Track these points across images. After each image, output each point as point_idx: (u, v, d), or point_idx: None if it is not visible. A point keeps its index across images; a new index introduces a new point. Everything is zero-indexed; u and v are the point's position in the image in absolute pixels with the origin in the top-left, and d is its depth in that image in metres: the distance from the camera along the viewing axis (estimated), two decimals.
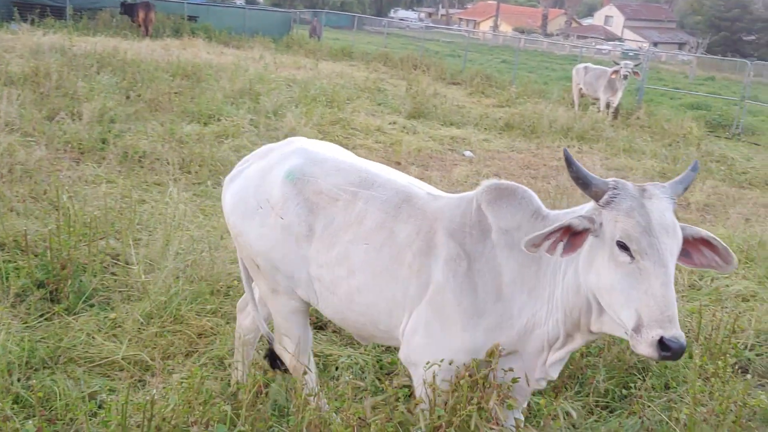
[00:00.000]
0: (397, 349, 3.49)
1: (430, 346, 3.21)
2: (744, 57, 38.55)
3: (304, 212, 3.47)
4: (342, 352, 4.71)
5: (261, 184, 3.63)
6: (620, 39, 68.19)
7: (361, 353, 4.67)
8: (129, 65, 15.16)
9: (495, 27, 70.80)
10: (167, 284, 5.07)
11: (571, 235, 2.81)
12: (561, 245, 2.79)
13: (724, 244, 2.83)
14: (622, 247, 2.65)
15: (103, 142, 9.12)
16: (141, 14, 26.62)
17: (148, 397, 3.49)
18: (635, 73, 17.37)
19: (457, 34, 51.09)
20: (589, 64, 18.95)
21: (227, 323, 4.84)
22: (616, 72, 16.97)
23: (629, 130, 15.75)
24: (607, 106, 17.33)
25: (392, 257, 3.30)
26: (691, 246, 2.84)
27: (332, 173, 3.53)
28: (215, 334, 4.75)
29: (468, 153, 11.98)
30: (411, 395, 3.81)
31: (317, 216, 3.46)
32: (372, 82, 18.79)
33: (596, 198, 2.79)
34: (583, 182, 2.81)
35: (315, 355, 4.51)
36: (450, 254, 3.17)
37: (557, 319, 3.05)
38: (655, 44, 63.99)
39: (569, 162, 2.82)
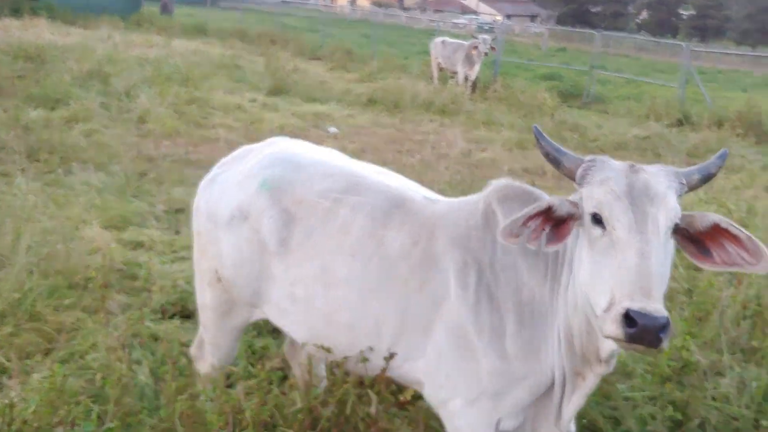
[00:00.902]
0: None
1: (455, 377, 2.79)
2: (592, 28, 40.49)
3: (280, 224, 3.13)
4: None
5: (237, 191, 3.29)
6: (475, 12, 69.94)
7: None
8: None
9: (353, 1, 70.89)
10: (20, 280, 4.77)
11: (556, 224, 2.45)
12: (544, 235, 2.43)
13: (747, 233, 2.33)
14: (597, 221, 2.31)
15: None
16: None
17: (6, 401, 3.30)
18: (492, 48, 17.91)
19: (314, 8, 50.82)
20: (447, 38, 19.32)
21: (88, 317, 4.63)
22: (475, 48, 17.41)
23: (487, 103, 16.19)
24: (466, 79, 17.75)
25: (382, 270, 2.92)
26: (711, 240, 2.38)
27: (314, 179, 3.17)
28: (76, 329, 4.53)
29: (332, 129, 11.95)
30: (285, 378, 3.79)
31: (295, 228, 3.11)
32: (229, 59, 18.42)
33: (571, 176, 2.46)
34: (553, 158, 2.51)
35: (183, 346, 4.40)
36: (456, 263, 2.78)
37: (564, 352, 2.65)
38: (509, 17, 66.09)
39: (539, 138, 2.55)
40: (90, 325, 4.49)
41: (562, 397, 2.70)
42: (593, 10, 70.87)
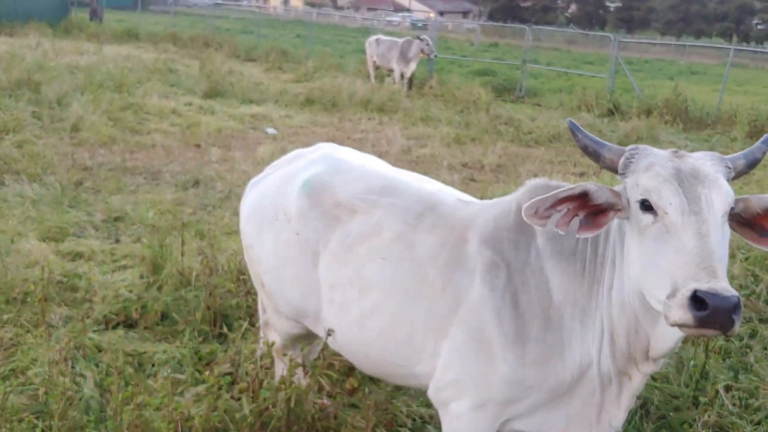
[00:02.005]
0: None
1: (465, 379, 2.67)
2: (522, 23, 41.08)
3: (320, 226, 3.08)
4: (156, 348, 4.53)
5: (280, 193, 3.27)
6: (408, 10, 70.27)
7: (177, 347, 4.52)
8: None
9: (285, 1, 70.49)
10: None
11: (594, 213, 2.31)
12: (577, 221, 2.29)
13: None
14: (646, 208, 2.17)
15: None
16: None
17: None
18: (434, 54, 18.30)
19: (247, 10, 50.30)
20: (381, 36, 19.37)
21: (27, 332, 4.51)
22: (423, 52, 17.65)
23: (424, 100, 16.31)
24: (401, 76, 17.84)
25: (412, 274, 2.81)
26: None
27: (353, 182, 3.13)
28: (16, 345, 4.41)
29: (271, 130, 11.88)
30: (234, 383, 3.77)
31: (334, 230, 3.05)
32: (162, 63, 18.15)
33: (612, 167, 2.31)
34: (592, 151, 2.37)
35: (128, 355, 4.34)
36: (485, 265, 2.64)
37: (606, 353, 2.51)
38: (441, 14, 66.56)
39: (576, 132, 2.42)
40: (30, 339, 4.38)
41: (602, 399, 2.60)
42: (523, 5, 71.85)
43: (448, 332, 2.70)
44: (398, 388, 3.97)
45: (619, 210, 2.28)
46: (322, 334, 3.20)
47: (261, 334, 3.97)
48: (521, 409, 2.64)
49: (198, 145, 10.18)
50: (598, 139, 2.41)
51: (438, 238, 2.81)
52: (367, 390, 3.91)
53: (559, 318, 2.53)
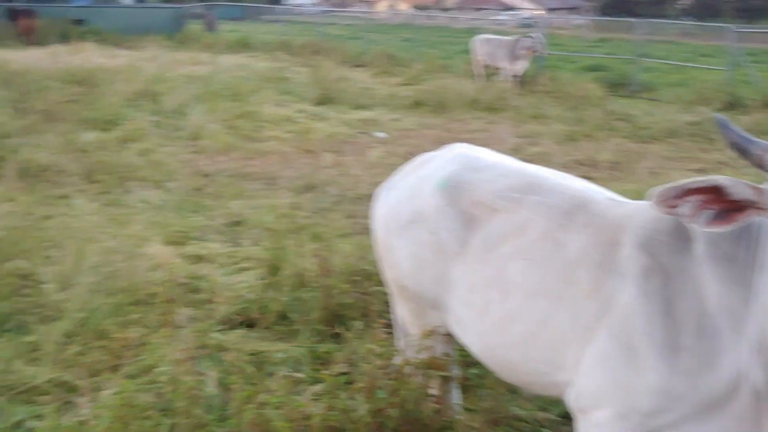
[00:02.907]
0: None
1: (609, 387, 2.52)
2: (635, 17, 39.81)
3: (458, 226, 2.99)
4: (275, 347, 4.60)
5: (414, 195, 3.19)
6: (516, 8, 69.40)
7: (294, 346, 4.57)
8: (16, 76, 14.47)
9: (392, 6, 71.02)
10: (85, 300, 4.85)
11: (731, 209, 2.16)
12: (708, 214, 2.17)
13: None
14: None
15: None
16: (23, 22, 25.48)
17: (78, 419, 3.34)
18: (537, 50, 17.79)
19: (355, 16, 50.96)
20: (489, 35, 19.16)
21: (153, 332, 4.67)
22: (529, 49, 17.32)
23: (534, 97, 16.01)
24: (511, 75, 17.60)
25: (559, 275, 2.67)
26: None
27: (493, 180, 3.02)
28: (143, 345, 4.57)
29: (380, 134, 11.94)
30: (351, 382, 3.76)
31: (474, 230, 2.95)
32: (275, 72, 18.56)
33: (760, 164, 2.14)
34: (740, 147, 2.21)
35: (248, 355, 4.41)
36: (640, 269, 2.48)
37: (757, 364, 2.30)
38: (551, 10, 65.42)
39: (724, 127, 2.27)
40: (156, 339, 4.52)
41: (759, 416, 2.37)
42: None
43: (594, 338, 2.54)
44: (513, 390, 3.86)
45: (762, 209, 2.11)
46: (458, 337, 3.13)
47: (396, 341, 3.92)
48: (667, 422, 2.45)
49: (311, 151, 10.34)
50: (747, 134, 2.24)
51: (590, 239, 2.65)
52: (482, 392, 3.83)
53: (713, 326, 2.34)
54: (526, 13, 58.99)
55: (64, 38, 25.65)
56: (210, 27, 33.84)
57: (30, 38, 25.07)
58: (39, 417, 3.81)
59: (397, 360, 3.61)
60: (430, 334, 3.34)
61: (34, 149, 9.18)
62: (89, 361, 4.34)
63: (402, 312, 3.55)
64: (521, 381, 2.99)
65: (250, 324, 4.91)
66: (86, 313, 4.71)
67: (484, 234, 2.92)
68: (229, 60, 21.82)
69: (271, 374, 4.16)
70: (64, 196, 7.57)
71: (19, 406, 3.93)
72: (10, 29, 25.63)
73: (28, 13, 25.79)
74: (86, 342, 4.52)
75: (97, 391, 4.03)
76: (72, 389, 4.10)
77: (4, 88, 13.12)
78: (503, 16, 52.12)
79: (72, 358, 4.35)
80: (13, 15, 25.91)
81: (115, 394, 3.75)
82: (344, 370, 4.03)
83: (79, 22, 28.98)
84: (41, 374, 4.17)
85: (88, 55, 20.82)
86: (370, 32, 31.45)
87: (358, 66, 22.41)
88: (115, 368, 4.34)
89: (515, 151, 10.46)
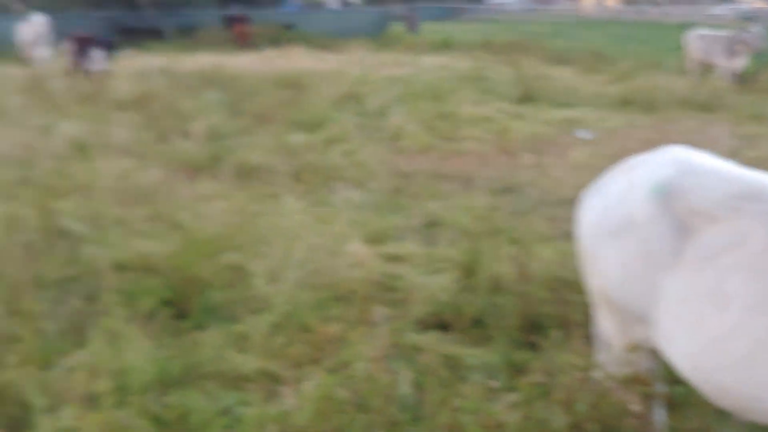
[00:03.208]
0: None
1: None
2: None
3: (672, 235, 2.84)
4: (469, 352, 4.55)
5: (624, 200, 3.09)
6: (734, 0, 64.71)
7: (489, 352, 4.51)
8: (232, 80, 15.53)
9: (599, 2, 68.68)
10: (290, 294, 5.08)
11: None
12: None
13: None
14: None
15: (216, 159, 9.34)
16: (237, 28, 27.29)
17: (281, 409, 3.48)
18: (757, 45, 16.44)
19: (559, 12, 49.84)
20: (704, 30, 17.97)
21: (352, 329, 4.79)
22: (749, 44, 16.09)
23: (755, 96, 14.78)
24: (729, 72, 16.38)
25: None
26: None
27: (711, 186, 2.84)
28: (341, 340, 4.70)
29: (584, 134, 11.54)
30: (548, 394, 3.63)
31: (689, 240, 2.80)
32: (475, 71, 18.51)
33: None
34: None
35: (444, 357, 4.40)
36: None
37: None
38: None
39: None
40: (354, 336, 4.63)
41: None
42: None
43: None
44: (723, 412, 3.55)
45: None
46: (664, 353, 2.94)
47: (596, 354, 3.76)
48: None
49: (510, 151, 10.20)
50: None
51: None
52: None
53: None
54: (746, 6, 54.77)
55: (275, 43, 27.23)
56: (412, 28, 34.46)
57: (244, 43, 26.84)
58: (246, 404, 4.02)
59: (598, 373, 3.45)
60: (634, 348, 3.16)
61: (247, 150, 9.80)
62: (293, 353, 4.53)
63: (605, 324, 3.38)
64: (736, 405, 2.73)
65: (444, 326, 4.90)
66: (291, 306, 4.93)
67: (700, 244, 2.71)
68: (430, 60, 22.09)
69: (464, 379, 4.13)
70: (274, 195, 7.99)
71: (229, 392, 4.17)
72: (226, 35, 27.55)
73: (242, 20, 27.62)
74: (290, 334, 4.72)
75: (300, 382, 4.18)
76: (276, 379, 4.29)
77: (222, 92, 14.14)
78: (720, 10, 48.66)
79: (277, 349, 4.56)
80: (229, 22, 27.85)
81: (315, 387, 3.88)
82: (541, 380, 3.90)
83: (288, 26, 30.63)
84: (249, 363, 4.40)
85: (297, 59, 21.95)
86: (575, 29, 30.60)
87: (561, 63, 21.84)
88: (316, 361, 4.49)
89: (732, 155, 9.68)
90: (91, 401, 3.70)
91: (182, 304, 5.06)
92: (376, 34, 30.52)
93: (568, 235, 6.34)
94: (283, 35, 28.74)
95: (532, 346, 4.49)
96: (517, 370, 4.26)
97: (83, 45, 14.63)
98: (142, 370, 4.11)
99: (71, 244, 6.11)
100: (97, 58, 14.06)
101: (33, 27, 18.25)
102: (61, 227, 6.38)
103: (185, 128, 10.78)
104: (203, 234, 5.80)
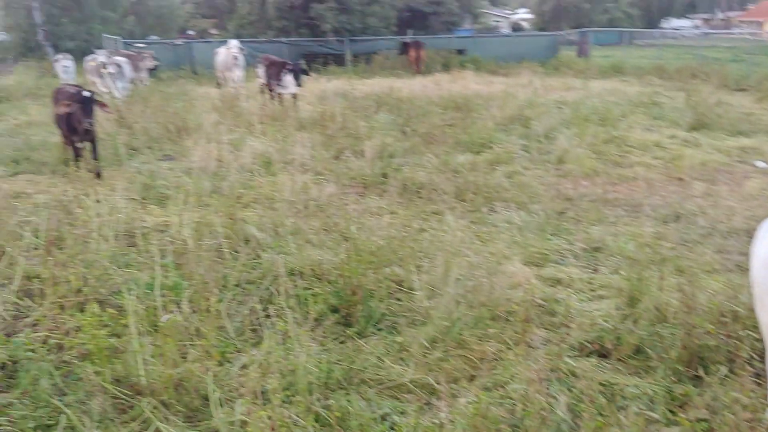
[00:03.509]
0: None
1: None
2: None
3: None
4: (628, 381, 4.49)
5: None
6: None
7: (649, 383, 4.42)
8: (403, 102, 16.01)
9: None
10: (449, 309, 5.19)
11: None
12: None
13: None
14: None
15: (384, 176, 9.71)
16: (412, 53, 28.05)
17: (436, 421, 3.59)
18: None
19: (739, 38, 47.16)
20: None
21: (508, 348, 4.84)
22: None
23: None
24: None
25: None
26: None
27: None
28: (497, 360, 4.77)
29: (762, 164, 10.94)
30: (711, 430, 3.54)
31: None
32: (646, 96, 17.98)
33: None
34: None
35: (600, 384, 4.36)
36: None
37: None
38: None
39: None
40: (511, 356, 4.68)
41: None
42: None
43: None
44: None
45: None
46: None
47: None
48: None
49: (680, 179, 9.85)
50: None
51: None
52: None
53: None
54: None
55: (446, 67, 27.79)
56: (583, 53, 33.88)
57: (417, 68, 27.57)
58: (402, 413, 4.18)
59: None
60: None
61: (414, 168, 10.11)
62: (449, 367, 4.65)
63: None
64: None
65: (603, 353, 4.85)
66: (449, 322, 5.04)
67: None
68: (599, 85, 21.66)
69: (623, 408, 4.08)
70: (437, 212, 8.18)
71: (387, 400, 4.34)
72: (401, 60, 28.46)
73: (417, 45, 28.35)
74: (447, 349, 4.85)
75: (455, 397, 4.30)
76: (432, 392, 4.42)
77: (394, 113, 14.63)
78: None
79: (434, 362, 4.69)
80: (405, 47, 28.68)
81: (470, 403, 3.98)
82: (703, 416, 3.80)
83: (460, 51, 31.09)
84: (406, 373, 4.56)
85: (466, 83, 22.25)
86: (756, 54, 28.90)
87: (739, 90, 20.73)
88: (471, 378, 4.59)
89: None
90: (262, 397, 3.96)
91: (347, 312, 5.32)
92: (546, 59, 30.28)
93: (739, 268, 6.10)
94: (455, 60, 29.27)
95: (695, 380, 4.36)
96: (679, 403, 4.16)
97: (277, 69, 15.46)
98: (308, 371, 4.37)
99: (253, 249, 6.59)
100: (289, 82, 14.84)
101: (229, 51, 19.62)
102: (245, 234, 6.89)
103: (358, 147, 11.29)
104: (369, 246, 6.05)
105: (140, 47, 26.78)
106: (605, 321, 5.14)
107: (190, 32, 51.13)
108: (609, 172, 10.27)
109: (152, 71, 22.67)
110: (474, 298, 5.46)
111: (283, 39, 32.36)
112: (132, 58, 22.04)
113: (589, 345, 4.89)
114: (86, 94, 9.46)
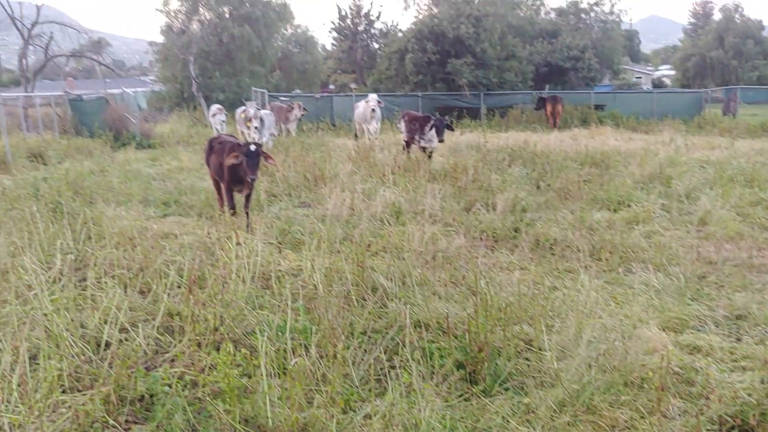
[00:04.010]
0: None
1: None
2: None
3: None
4: None
5: None
6: None
7: None
8: (538, 157, 15.92)
9: None
10: (579, 372, 5.03)
11: None
12: None
13: None
14: None
15: (516, 231, 9.63)
16: (549, 107, 27.98)
17: None
18: None
19: None
20: None
21: (642, 417, 4.62)
22: None
23: None
24: None
25: None
26: None
27: None
28: (629, 428, 4.56)
29: None
30: None
31: None
32: None
33: None
34: None
35: None
36: None
37: None
38: None
39: None
40: (644, 425, 4.47)
41: None
42: None
43: None
44: None
45: None
46: None
47: None
48: None
49: None
50: None
51: None
52: None
53: None
54: None
55: (584, 122, 27.48)
56: (729, 111, 32.56)
57: (554, 122, 27.46)
58: None
59: None
60: None
61: (547, 224, 9.96)
62: None
63: None
64: None
65: (745, 429, 4.54)
66: (579, 385, 4.88)
67: None
68: (747, 145, 20.72)
69: None
70: (570, 270, 7.99)
71: None
72: (537, 114, 28.48)
73: (554, 100, 28.25)
74: (576, 414, 4.68)
75: None
76: None
77: (528, 167, 14.55)
78: None
79: (562, 426, 4.53)
80: (542, 102, 28.66)
81: None
82: None
83: (599, 107, 30.73)
84: None
85: (605, 138, 21.89)
86: None
87: None
88: None
89: None
90: None
91: (473, 368, 5.24)
92: (690, 117, 29.35)
93: None
94: (593, 115, 28.94)
95: None
96: None
97: (420, 124, 15.64)
98: (432, 427, 4.33)
99: (380, 298, 6.66)
100: (432, 137, 14.99)
101: (367, 104, 20.32)
102: (373, 282, 6.98)
103: (490, 200, 11.27)
104: (499, 302, 5.97)
105: (284, 100, 28.16)
106: (748, 394, 4.81)
107: (331, 86, 53.16)
108: (756, 235, 9.71)
109: (300, 121, 23.82)
110: (606, 362, 5.26)
111: (419, 93, 33.09)
112: (282, 110, 23.30)
113: (730, 419, 4.59)
114: (253, 148, 9.67)
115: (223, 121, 23.76)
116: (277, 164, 11.81)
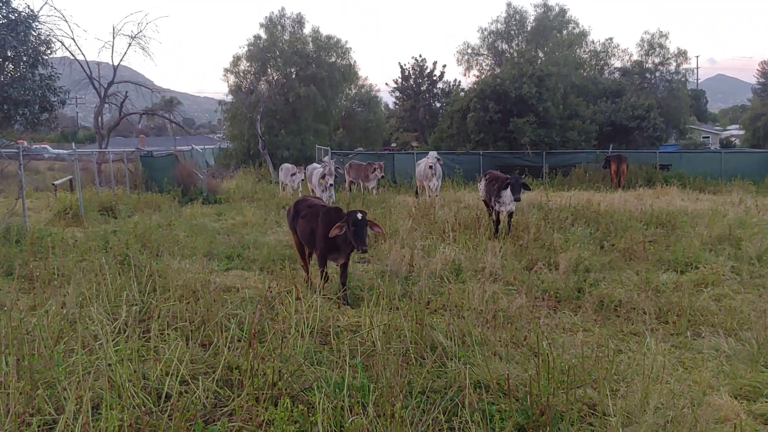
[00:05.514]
0: None
1: None
2: None
3: None
4: None
5: None
6: None
7: None
8: (602, 216, 15.68)
9: None
10: None
11: None
12: None
13: None
14: None
15: (579, 291, 9.42)
16: (613, 166, 27.73)
17: None
18: None
19: None
20: None
21: None
22: None
23: None
24: None
25: None
26: None
27: None
28: None
29: None
30: None
31: None
32: None
33: None
34: None
35: None
36: None
37: None
38: None
39: None
40: None
41: None
42: None
43: None
44: None
45: None
46: None
47: None
48: None
49: None
50: None
51: None
52: None
53: None
54: None
55: (650, 182, 27.09)
56: None
57: (619, 182, 27.16)
58: None
59: None
60: None
61: (612, 284, 9.74)
62: None
63: None
64: None
65: None
66: None
67: None
68: None
69: None
70: (636, 333, 7.77)
71: None
72: (601, 174, 28.25)
73: (619, 159, 28.00)
74: None
75: None
76: None
77: (591, 227, 14.33)
78: None
79: None
80: (606, 161, 28.44)
81: None
82: None
83: (665, 167, 30.31)
84: None
85: (670, 198, 21.48)
86: None
87: None
88: None
89: None
90: None
91: None
92: (760, 177, 28.61)
93: None
94: (659, 175, 28.54)
95: None
96: None
97: (498, 185, 15.24)
98: None
99: (438, 357, 6.56)
100: (507, 197, 14.73)
101: (429, 162, 20.47)
102: (431, 340, 6.89)
103: (552, 259, 11.12)
104: (561, 364, 5.82)
105: (349, 157, 28.61)
106: None
107: (393, 144, 53.71)
108: None
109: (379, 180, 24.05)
110: (675, 430, 5.05)
111: (481, 151, 33.18)
112: (362, 168, 23.69)
113: None
114: (360, 216, 8.84)
115: (302, 180, 23.33)
116: (384, 232, 10.57)
